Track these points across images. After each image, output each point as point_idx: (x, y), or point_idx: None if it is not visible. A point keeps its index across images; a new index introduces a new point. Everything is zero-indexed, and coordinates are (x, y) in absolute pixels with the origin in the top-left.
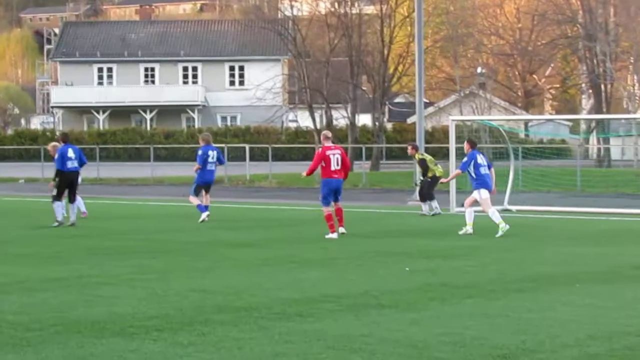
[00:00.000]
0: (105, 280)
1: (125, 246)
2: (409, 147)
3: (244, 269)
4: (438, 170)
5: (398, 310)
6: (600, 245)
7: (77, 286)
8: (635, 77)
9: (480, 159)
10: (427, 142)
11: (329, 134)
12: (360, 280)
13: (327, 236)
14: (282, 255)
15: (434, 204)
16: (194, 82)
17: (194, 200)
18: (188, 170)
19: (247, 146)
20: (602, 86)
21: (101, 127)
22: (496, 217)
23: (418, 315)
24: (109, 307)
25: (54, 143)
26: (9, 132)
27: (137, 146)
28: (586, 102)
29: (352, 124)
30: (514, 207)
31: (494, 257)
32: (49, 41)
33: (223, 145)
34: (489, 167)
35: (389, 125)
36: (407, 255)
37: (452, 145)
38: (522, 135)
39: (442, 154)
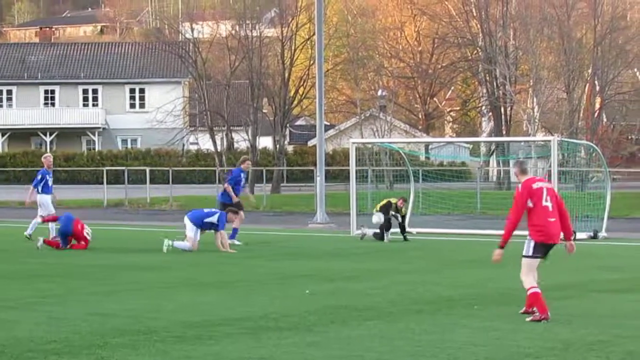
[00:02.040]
0: (4, 304)
1: (26, 270)
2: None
3: (144, 292)
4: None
5: (297, 333)
6: (499, 267)
7: None
8: (535, 100)
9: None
10: (327, 164)
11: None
12: (260, 303)
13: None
14: (182, 278)
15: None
16: (94, 105)
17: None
18: (88, 193)
19: (147, 169)
20: (502, 109)
21: (0, 150)
22: None
23: (318, 338)
24: (8, 331)
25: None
26: None
27: (37, 169)
28: (486, 125)
29: (253, 146)
30: (414, 230)
31: (395, 280)
32: None
33: (123, 167)
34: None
35: (290, 148)
36: (309, 278)
37: (353, 168)
38: (422, 157)
39: (343, 177)
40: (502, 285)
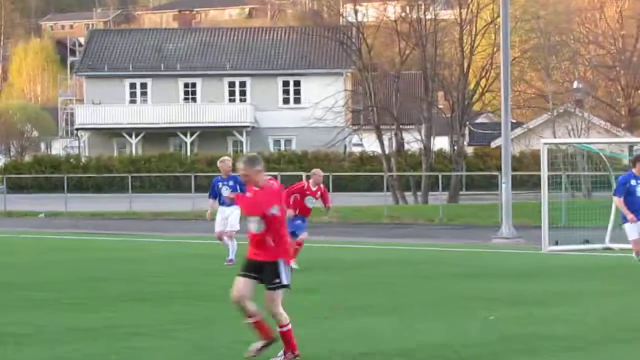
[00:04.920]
0: None
1: None
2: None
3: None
4: None
5: None
6: None
7: None
8: None
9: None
10: (514, 169)
11: None
12: (436, 331)
13: None
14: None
15: None
16: (241, 100)
17: None
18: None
19: (303, 174)
20: None
21: (134, 153)
22: None
23: None
24: None
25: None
26: (27, 158)
27: (176, 174)
28: None
29: (427, 148)
30: (615, 246)
31: (597, 303)
32: (73, 52)
33: (276, 173)
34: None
35: (469, 150)
36: (492, 302)
37: (545, 173)
38: (626, 161)
39: (531, 184)
40: None
